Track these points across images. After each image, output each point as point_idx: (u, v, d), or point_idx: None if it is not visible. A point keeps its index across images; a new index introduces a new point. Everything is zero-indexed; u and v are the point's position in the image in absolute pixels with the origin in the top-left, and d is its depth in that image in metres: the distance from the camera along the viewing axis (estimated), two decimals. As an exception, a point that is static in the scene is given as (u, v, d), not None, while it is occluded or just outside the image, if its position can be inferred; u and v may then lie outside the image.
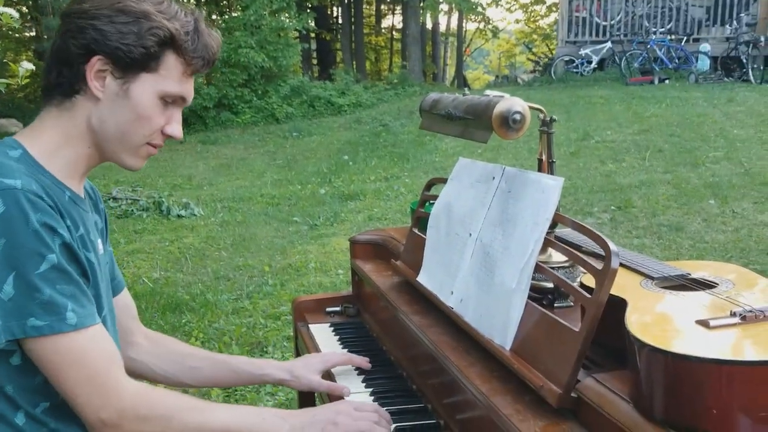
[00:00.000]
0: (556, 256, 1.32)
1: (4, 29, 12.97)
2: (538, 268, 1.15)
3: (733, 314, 0.93)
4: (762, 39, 12.33)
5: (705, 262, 1.28)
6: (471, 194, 1.41)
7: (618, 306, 1.01)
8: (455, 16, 24.66)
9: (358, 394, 1.45)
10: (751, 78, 12.08)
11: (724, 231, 5.16)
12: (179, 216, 6.55)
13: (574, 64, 14.10)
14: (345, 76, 14.86)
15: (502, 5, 24.71)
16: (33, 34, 15.87)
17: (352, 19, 21.28)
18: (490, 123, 1.23)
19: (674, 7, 13.96)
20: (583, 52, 13.97)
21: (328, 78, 15.61)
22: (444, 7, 19.98)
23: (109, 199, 6.83)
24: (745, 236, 5.00)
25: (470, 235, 1.36)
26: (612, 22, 14.28)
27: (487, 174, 1.38)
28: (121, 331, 1.33)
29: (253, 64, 13.06)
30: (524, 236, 1.18)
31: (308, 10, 16.10)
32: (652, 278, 1.15)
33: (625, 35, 13.98)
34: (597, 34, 14.39)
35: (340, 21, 22.48)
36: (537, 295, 1.26)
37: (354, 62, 20.22)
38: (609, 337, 1.03)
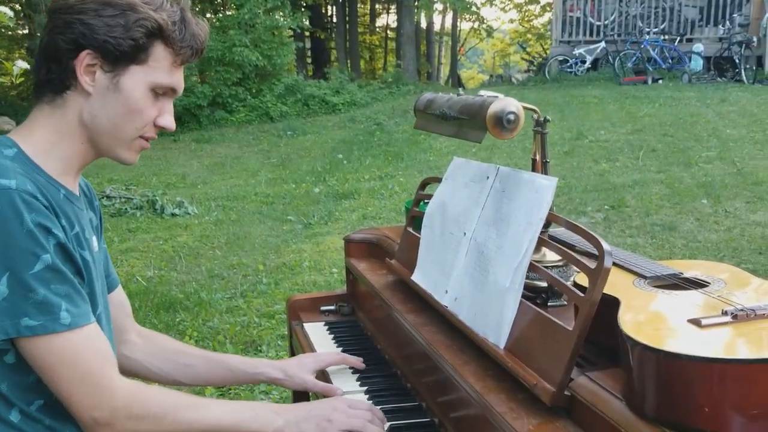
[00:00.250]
0: (550, 256, 1.33)
1: (-2, 28, 12.90)
2: (531, 268, 1.16)
3: (724, 313, 0.94)
4: (754, 39, 12.40)
5: (697, 261, 1.29)
6: (465, 194, 1.41)
7: (611, 305, 1.02)
8: (450, 15, 24.69)
9: (353, 392, 1.45)
10: (744, 78, 12.14)
11: (717, 230, 5.18)
12: (173, 214, 6.54)
13: (568, 64, 14.14)
14: (339, 75, 14.86)
15: (496, 5, 24.78)
16: (26, 31, 15.79)
17: (347, 18, 21.28)
18: (484, 123, 1.23)
19: (667, 7, 14.01)
20: (577, 51, 14.01)
21: (323, 77, 15.60)
22: (438, 6, 20.01)
23: (103, 198, 6.81)
24: (738, 236, 5.03)
25: (465, 234, 1.36)
26: (606, 22, 14.32)
27: (481, 173, 1.39)
28: (115, 329, 1.32)
29: (247, 63, 13.04)
30: (518, 236, 1.19)
31: (303, 9, 16.09)
32: (644, 277, 1.16)
33: (619, 35, 14.03)
34: (591, 34, 14.43)
35: (334, 20, 22.45)
36: (531, 294, 1.26)
37: (348, 61, 20.23)
38: (602, 335, 1.04)
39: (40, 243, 1.01)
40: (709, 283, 1.10)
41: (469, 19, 23.36)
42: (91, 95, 1.12)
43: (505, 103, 1.23)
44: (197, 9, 15.36)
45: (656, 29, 13.85)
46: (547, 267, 1.25)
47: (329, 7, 23.00)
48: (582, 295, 1.03)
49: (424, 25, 22.96)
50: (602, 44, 13.77)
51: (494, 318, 1.20)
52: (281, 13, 14.32)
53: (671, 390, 0.84)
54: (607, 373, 1.01)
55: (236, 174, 8.71)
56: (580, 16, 14.49)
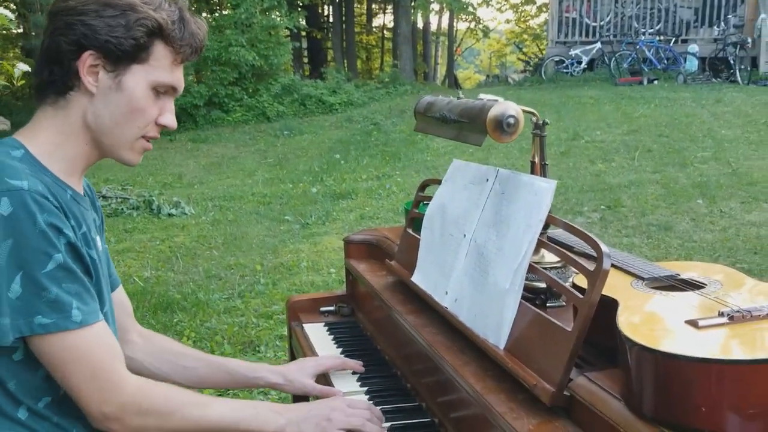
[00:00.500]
0: (549, 257, 1.34)
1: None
2: (531, 269, 1.17)
3: (721, 314, 0.95)
4: (749, 40, 12.45)
5: (693, 262, 1.31)
6: (465, 195, 1.43)
7: (609, 306, 1.03)
8: (446, 15, 24.70)
9: (354, 393, 1.47)
10: (739, 79, 12.18)
11: (712, 230, 5.21)
12: (170, 215, 6.53)
13: (564, 65, 14.17)
14: (336, 75, 14.86)
15: (492, 5, 24.76)
16: (20, 31, 15.75)
17: (343, 18, 21.26)
18: (484, 126, 1.25)
19: (663, 8, 14.06)
20: (573, 52, 14.05)
21: (320, 77, 15.60)
22: (435, 6, 20.02)
23: (99, 198, 6.76)
24: (733, 236, 5.06)
25: (464, 235, 1.38)
26: (601, 23, 14.36)
27: (480, 176, 1.40)
28: (117, 328, 1.34)
29: (243, 63, 13.03)
30: (517, 237, 1.20)
31: (299, 9, 16.09)
32: (642, 279, 1.17)
33: (615, 36, 14.07)
34: (587, 35, 14.47)
35: (331, 20, 22.45)
36: (530, 295, 1.28)
37: (345, 61, 20.21)
38: (601, 336, 1.05)
39: (52, 243, 1.03)
40: (706, 284, 1.12)
41: (466, 20, 23.40)
42: (95, 96, 1.13)
43: (505, 107, 1.24)
44: (194, 8, 15.35)
45: (652, 30, 13.89)
46: (546, 268, 1.26)
47: (326, 7, 23.00)
48: (581, 296, 1.05)
49: (420, 25, 22.94)
50: (598, 45, 13.81)
51: (494, 319, 1.21)
52: (278, 13, 14.31)
53: (669, 390, 0.86)
54: (605, 374, 1.02)
55: (233, 174, 8.71)
56: (576, 17, 14.53)
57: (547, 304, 1.29)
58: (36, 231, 1.02)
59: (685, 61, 13.08)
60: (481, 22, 23.24)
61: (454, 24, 25.27)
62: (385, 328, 1.68)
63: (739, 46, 12.43)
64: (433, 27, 25.97)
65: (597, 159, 7.70)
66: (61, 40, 1.11)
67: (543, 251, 1.34)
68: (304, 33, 20.11)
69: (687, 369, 0.84)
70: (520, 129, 1.25)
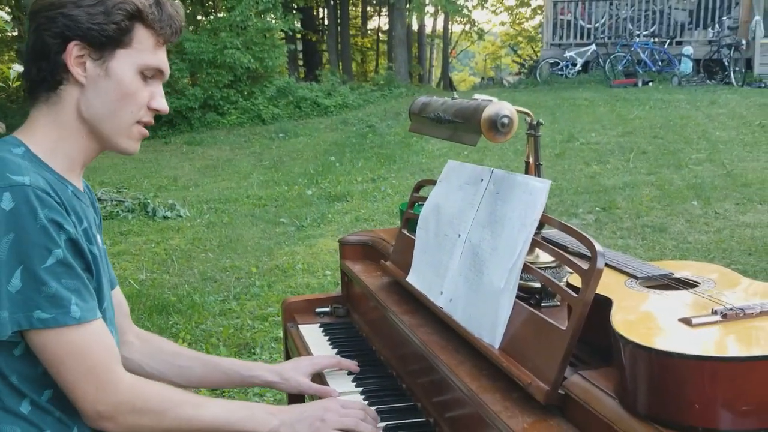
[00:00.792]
0: (544, 257, 1.35)
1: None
2: (525, 269, 1.18)
3: (714, 312, 0.96)
4: (743, 42, 12.50)
5: (688, 262, 1.31)
6: (460, 196, 1.43)
7: (603, 305, 1.03)
8: (441, 17, 24.73)
9: (349, 393, 1.47)
10: (733, 80, 12.24)
11: (707, 232, 5.23)
12: (165, 217, 6.52)
13: (559, 67, 14.21)
14: (331, 78, 14.87)
15: (487, 7, 24.86)
16: (15, 33, 15.71)
17: (338, 21, 21.29)
18: (479, 127, 1.25)
19: (657, 10, 14.10)
20: (567, 54, 14.09)
21: (315, 79, 15.60)
22: (430, 9, 20.04)
23: (94, 201, 6.78)
24: (728, 237, 5.07)
25: (459, 236, 1.38)
26: (596, 25, 14.41)
27: (475, 176, 1.40)
28: None
29: (238, 65, 13.04)
30: (512, 237, 1.21)
31: (294, 11, 16.08)
32: (636, 278, 1.17)
33: (609, 38, 14.11)
34: (581, 37, 14.51)
35: (326, 22, 22.46)
36: (525, 294, 1.28)
37: (340, 63, 20.23)
38: (595, 335, 1.05)
39: (52, 238, 1.04)
40: (699, 283, 1.12)
41: (461, 22, 23.46)
42: (85, 86, 1.15)
43: (499, 107, 1.25)
44: (189, 11, 15.35)
45: (646, 32, 13.94)
46: (540, 268, 1.26)
47: (321, 10, 23.01)
48: (575, 295, 1.05)
49: (415, 27, 23.00)
50: (593, 47, 13.85)
51: (489, 318, 1.21)
52: (273, 16, 14.32)
53: (663, 387, 0.86)
54: (600, 372, 1.02)
55: (228, 176, 8.70)
56: (570, 19, 14.57)
57: (542, 304, 1.29)
58: (37, 226, 1.03)
59: (679, 63, 13.13)
60: (476, 24, 23.29)
61: (449, 26, 25.31)
62: (381, 329, 1.68)
63: (733, 48, 12.49)
64: (428, 29, 26.04)
65: (592, 161, 7.72)
66: (45, 36, 1.13)
67: (538, 251, 1.35)
68: (299, 35, 20.13)
69: (681, 366, 0.84)
70: (515, 129, 1.25)
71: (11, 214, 1.02)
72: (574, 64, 14.00)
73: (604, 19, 14.42)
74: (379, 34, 26.63)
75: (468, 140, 1.30)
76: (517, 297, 1.18)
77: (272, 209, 6.80)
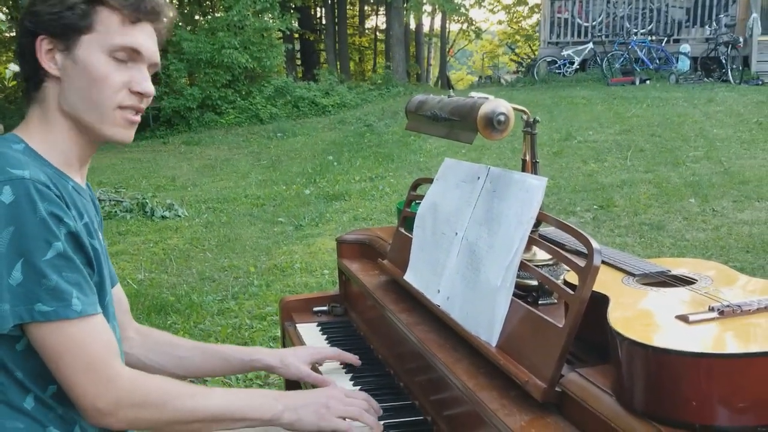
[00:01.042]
0: (541, 254, 1.35)
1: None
2: (522, 266, 1.17)
3: (711, 309, 0.96)
4: (741, 40, 12.52)
5: (685, 259, 1.31)
6: (457, 194, 1.43)
7: (600, 302, 1.03)
8: (438, 17, 24.74)
9: (346, 391, 1.47)
10: (731, 78, 12.25)
11: (705, 229, 5.23)
12: (163, 217, 6.52)
13: (557, 65, 14.22)
14: (329, 77, 14.88)
15: (485, 6, 24.84)
16: (13, 34, 15.70)
17: (336, 20, 21.27)
18: (475, 124, 1.25)
19: (655, 8, 14.12)
20: (565, 53, 14.10)
21: (312, 78, 15.61)
22: (427, 8, 20.04)
23: (93, 201, 6.78)
24: (725, 234, 5.08)
25: (456, 234, 1.38)
26: (593, 24, 14.42)
27: (472, 174, 1.40)
28: None
29: (236, 65, 13.04)
30: (509, 235, 1.21)
31: (292, 11, 16.08)
32: (633, 275, 1.17)
33: (607, 36, 14.13)
34: (579, 35, 14.52)
35: (323, 21, 22.45)
36: (522, 292, 1.28)
37: (338, 63, 20.23)
38: (592, 332, 1.05)
39: (52, 231, 1.04)
40: (697, 280, 1.12)
41: (458, 21, 23.44)
42: (61, 80, 1.16)
43: (495, 104, 1.25)
44: (186, 11, 15.35)
45: (643, 30, 13.95)
46: (537, 265, 1.26)
47: (318, 9, 23.00)
48: (572, 292, 1.05)
49: (413, 26, 22.99)
50: (590, 45, 13.87)
51: (486, 316, 1.21)
52: (270, 15, 14.32)
53: (660, 384, 0.86)
54: (597, 370, 1.02)
55: (226, 176, 8.70)
56: (568, 18, 14.58)
57: (539, 301, 1.29)
58: (36, 219, 1.03)
59: (677, 61, 13.14)
60: (474, 23, 23.29)
61: (447, 25, 25.32)
62: (378, 327, 1.68)
63: (730, 45, 12.50)
64: (426, 28, 26.04)
65: (589, 159, 7.73)
66: (20, 37, 1.17)
67: (534, 249, 1.35)
68: (296, 35, 20.13)
69: (678, 363, 0.84)
70: (511, 126, 1.25)
71: (11, 207, 1.02)
72: (572, 63, 14.01)
73: (601, 18, 14.43)
74: (377, 33, 26.63)
75: (464, 138, 1.30)
76: (514, 295, 1.17)
77: (270, 209, 6.79)
